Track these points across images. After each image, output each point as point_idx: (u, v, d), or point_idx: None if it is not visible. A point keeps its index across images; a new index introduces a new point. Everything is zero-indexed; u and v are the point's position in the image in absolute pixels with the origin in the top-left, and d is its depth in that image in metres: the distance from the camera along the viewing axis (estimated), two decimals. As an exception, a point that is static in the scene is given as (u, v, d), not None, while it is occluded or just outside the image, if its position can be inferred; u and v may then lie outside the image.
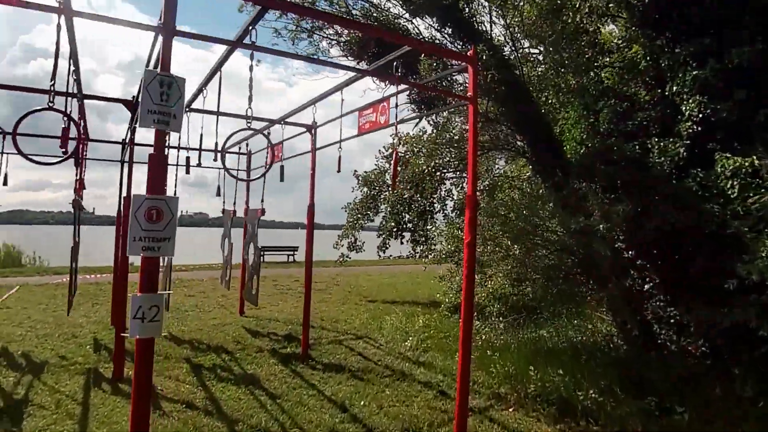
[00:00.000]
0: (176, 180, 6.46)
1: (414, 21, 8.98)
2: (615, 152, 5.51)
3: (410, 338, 7.20)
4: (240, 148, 9.41)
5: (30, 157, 3.74)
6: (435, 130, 10.43)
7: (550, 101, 8.50)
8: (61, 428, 3.85)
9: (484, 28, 7.94)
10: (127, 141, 6.89)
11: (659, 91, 6.04)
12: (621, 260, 5.55)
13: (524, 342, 5.62)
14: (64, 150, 3.49)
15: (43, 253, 19.40)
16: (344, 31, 9.68)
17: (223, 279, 8.68)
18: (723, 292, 4.41)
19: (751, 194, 4.33)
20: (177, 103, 2.53)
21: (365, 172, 12.34)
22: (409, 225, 11.88)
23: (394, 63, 3.93)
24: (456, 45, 7.69)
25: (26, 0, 2.58)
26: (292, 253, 24.36)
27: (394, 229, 11.80)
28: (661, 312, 5.37)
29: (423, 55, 7.07)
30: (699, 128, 5.06)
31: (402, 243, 12.00)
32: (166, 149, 2.85)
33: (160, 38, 2.58)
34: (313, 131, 6.64)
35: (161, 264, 6.68)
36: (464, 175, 11.24)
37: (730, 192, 4.46)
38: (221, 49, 3.62)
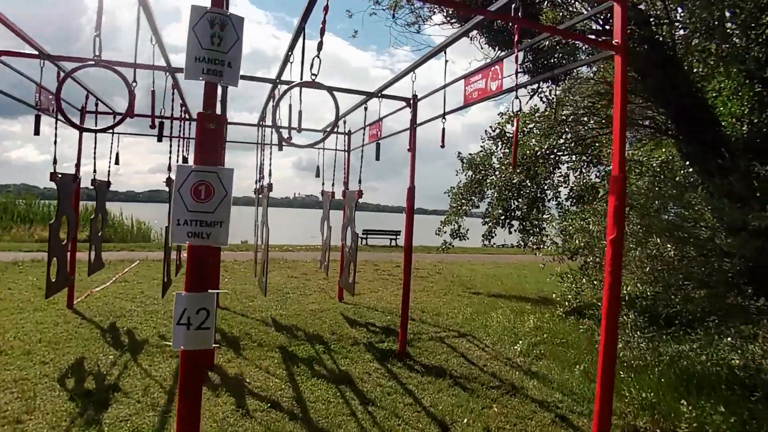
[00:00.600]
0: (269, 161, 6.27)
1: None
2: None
3: (520, 341, 6.39)
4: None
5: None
6: (549, 108, 9.23)
7: (694, 70, 6.95)
8: (141, 421, 3.76)
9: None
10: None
11: None
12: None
13: (664, 361, 4.54)
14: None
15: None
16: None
17: (322, 264, 8.58)
18: None
19: None
20: (233, 48, 2.04)
21: (470, 154, 11.51)
22: (518, 213, 10.85)
23: (512, 5, 3.10)
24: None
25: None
26: (394, 237, 24.35)
27: (502, 217, 10.84)
28: None
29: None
30: None
31: (510, 233, 11.02)
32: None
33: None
34: (412, 104, 6.01)
35: (259, 243, 6.63)
36: (583, 157, 9.91)
37: None
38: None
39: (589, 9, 5.83)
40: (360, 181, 6.61)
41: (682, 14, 7.36)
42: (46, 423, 3.63)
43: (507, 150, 10.45)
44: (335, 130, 6.66)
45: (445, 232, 12.00)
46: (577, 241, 5.47)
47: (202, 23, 1.98)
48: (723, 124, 6.17)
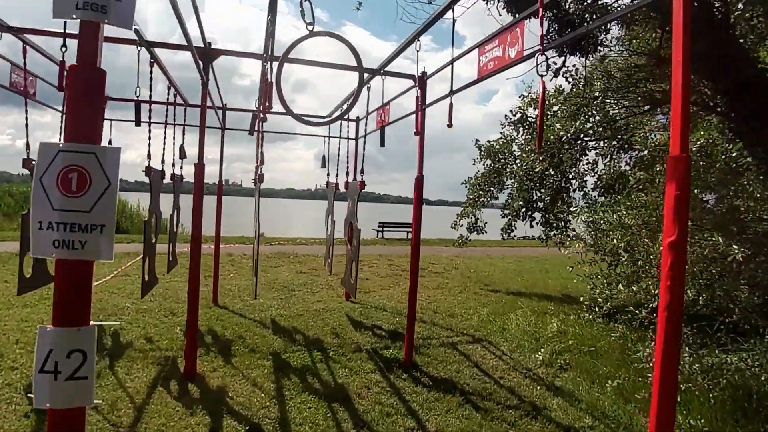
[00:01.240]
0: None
1: None
2: None
3: (542, 349, 5.68)
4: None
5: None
6: (575, 87, 8.36)
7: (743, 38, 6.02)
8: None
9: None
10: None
11: None
12: None
13: (720, 384, 3.78)
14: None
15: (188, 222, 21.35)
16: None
17: (326, 261, 7.99)
18: None
19: None
20: None
21: (489, 141, 10.70)
22: (540, 204, 10.02)
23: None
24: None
25: None
26: (410, 230, 23.65)
27: (523, 209, 10.02)
28: None
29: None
30: None
31: (531, 226, 10.21)
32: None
33: None
34: (421, 83, 5.27)
35: (256, 235, 6.03)
36: (614, 142, 9.01)
37: None
38: None
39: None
40: (362, 171, 5.98)
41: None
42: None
43: (529, 136, 9.61)
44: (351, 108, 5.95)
45: (461, 226, 11.24)
46: (615, 241, 4.67)
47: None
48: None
